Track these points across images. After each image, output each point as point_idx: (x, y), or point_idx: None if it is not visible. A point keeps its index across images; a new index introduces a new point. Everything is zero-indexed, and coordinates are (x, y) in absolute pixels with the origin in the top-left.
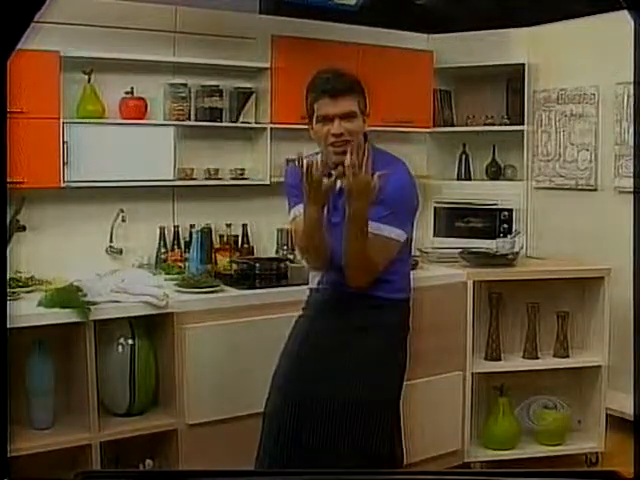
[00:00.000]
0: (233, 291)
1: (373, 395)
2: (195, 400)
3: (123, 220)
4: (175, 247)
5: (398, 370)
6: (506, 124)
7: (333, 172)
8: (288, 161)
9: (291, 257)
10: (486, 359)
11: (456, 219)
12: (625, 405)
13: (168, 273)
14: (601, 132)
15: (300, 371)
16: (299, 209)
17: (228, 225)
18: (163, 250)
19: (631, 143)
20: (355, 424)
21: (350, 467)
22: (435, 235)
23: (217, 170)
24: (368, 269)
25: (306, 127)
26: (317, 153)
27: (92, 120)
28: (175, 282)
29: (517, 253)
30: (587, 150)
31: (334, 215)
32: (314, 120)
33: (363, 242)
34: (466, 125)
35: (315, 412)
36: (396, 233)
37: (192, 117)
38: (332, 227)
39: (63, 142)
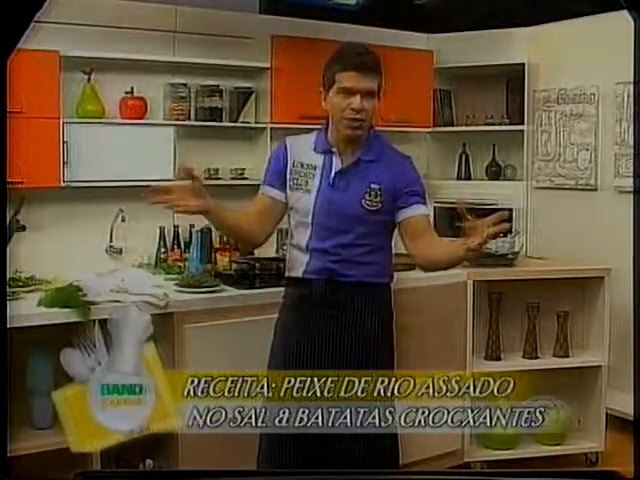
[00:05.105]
0: (233, 291)
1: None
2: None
3: (123, 220)
4: (175, 247)
5: (391, 355)
6: (506, 124)
7: (333, 149)
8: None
9: None
10: (486, 359)
11: (456, 219)
12: (625, 405)
13: (168, 273)
14: (601, 132)
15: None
16: (266, 191)
17: None
18: (163, 250)
19: (631, 143)
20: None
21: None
22: None
23: (217, 170)
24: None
25: (305, 126)
26: (315, 129)
27: (92, 120)
28: (175, 282)
29: (517, 253)
30: (587, 150)
31: (332, 203)
32: (332, 91)
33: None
34: (466, 125)
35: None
36: (427, 209)
37: (192, 117)
38: (332, 213)
39: (63, 142)
